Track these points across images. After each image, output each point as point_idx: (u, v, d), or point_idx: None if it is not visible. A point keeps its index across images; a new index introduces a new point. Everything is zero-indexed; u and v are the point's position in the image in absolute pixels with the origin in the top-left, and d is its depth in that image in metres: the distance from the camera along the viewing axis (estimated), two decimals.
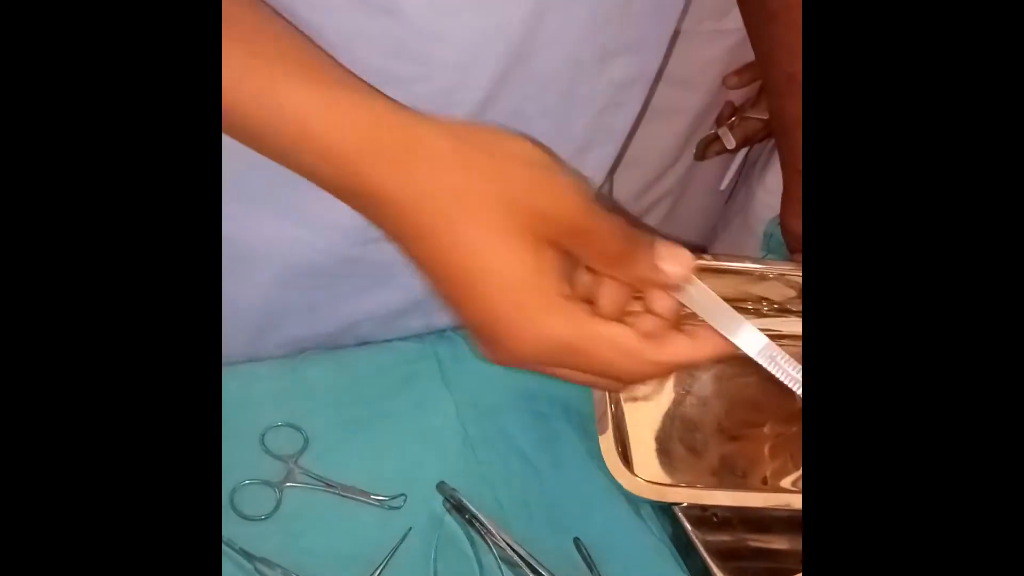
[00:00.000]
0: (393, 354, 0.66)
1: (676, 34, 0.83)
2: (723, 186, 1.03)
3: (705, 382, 0.65)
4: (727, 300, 0.45)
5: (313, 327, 0.68)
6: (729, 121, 0.95)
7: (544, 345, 0.41)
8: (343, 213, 0.43)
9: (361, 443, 0.60)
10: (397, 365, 0.65)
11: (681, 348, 0.44)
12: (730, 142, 0.94)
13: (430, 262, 0.41)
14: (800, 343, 0.58)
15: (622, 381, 0.44)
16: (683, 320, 0.45)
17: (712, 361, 0.44)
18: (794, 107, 0.72)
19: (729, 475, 0.63)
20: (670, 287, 0.43)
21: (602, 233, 0.41)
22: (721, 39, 0.90)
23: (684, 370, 0.43)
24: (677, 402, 0.64)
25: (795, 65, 0.70)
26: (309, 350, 0.66)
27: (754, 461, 0.64)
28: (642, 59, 0.63)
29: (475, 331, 0.42)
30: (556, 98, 0.59)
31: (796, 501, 0.59)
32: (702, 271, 0.46)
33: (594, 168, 0.67)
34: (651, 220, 1.04)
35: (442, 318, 0.69)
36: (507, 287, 0.40)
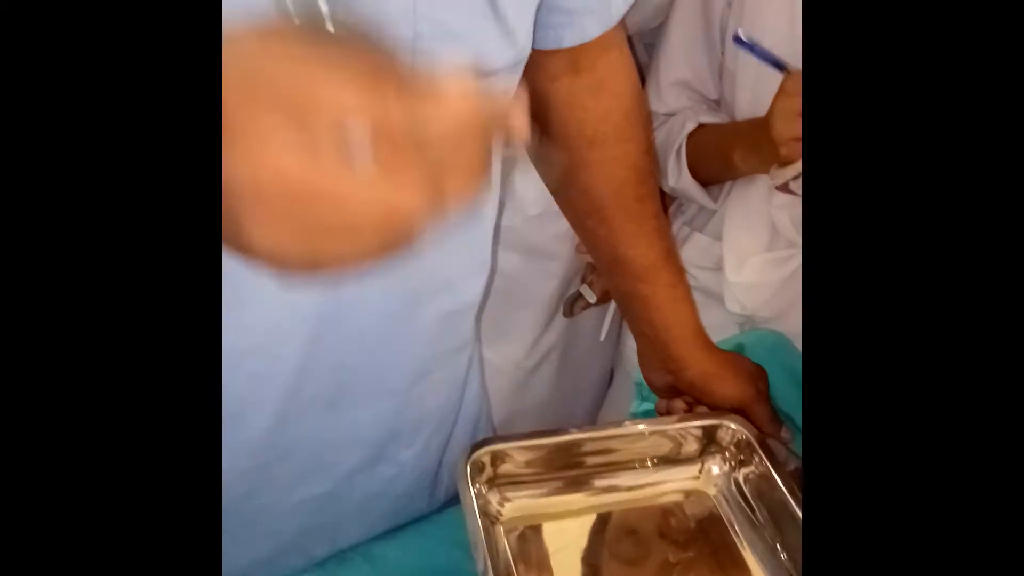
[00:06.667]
0: None
1: None
2: (602, 337, 1.14)
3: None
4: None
5: None
6: (589, 279, 1.08)
7: None
8: None
9: None
10: None
11: None
12: (591, 297, 1.07)
13: None
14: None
15: None
16: None
17: None
18: (624, 284, 0.77)
19: None
20: None
21: None
22: None
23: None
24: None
25: (618, 250, 0.75)
26: None
27: None
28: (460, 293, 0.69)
29: None
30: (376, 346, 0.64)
31: None
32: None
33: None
34: (544, 372, 1.16)
35: None
36: None
